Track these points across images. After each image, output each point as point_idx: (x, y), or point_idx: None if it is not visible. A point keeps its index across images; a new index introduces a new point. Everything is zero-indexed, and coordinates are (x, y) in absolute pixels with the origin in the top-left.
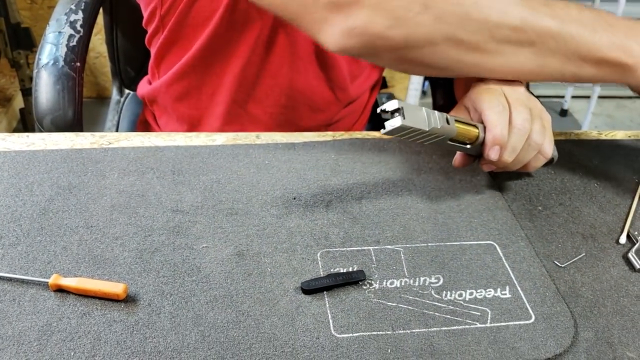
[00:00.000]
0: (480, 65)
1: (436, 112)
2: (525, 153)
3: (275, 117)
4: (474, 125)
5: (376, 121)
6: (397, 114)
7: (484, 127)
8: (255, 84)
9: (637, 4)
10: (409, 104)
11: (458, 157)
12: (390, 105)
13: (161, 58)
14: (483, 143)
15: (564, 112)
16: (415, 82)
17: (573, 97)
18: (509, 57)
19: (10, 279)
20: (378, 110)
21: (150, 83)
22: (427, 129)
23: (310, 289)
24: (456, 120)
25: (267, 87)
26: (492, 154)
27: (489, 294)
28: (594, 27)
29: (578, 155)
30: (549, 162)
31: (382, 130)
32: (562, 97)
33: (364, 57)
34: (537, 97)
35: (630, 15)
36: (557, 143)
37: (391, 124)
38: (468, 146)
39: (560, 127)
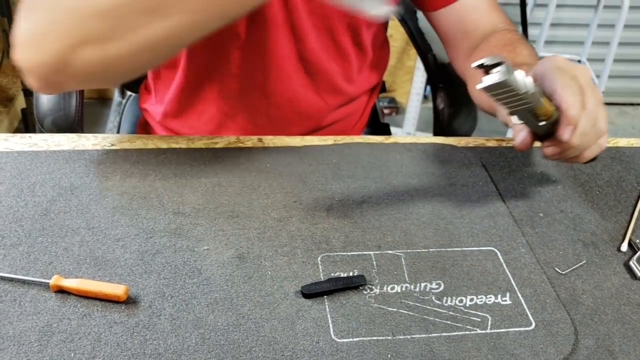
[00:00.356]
0: (127, 51)
1: (526, 77)
2: (590, 139)
3: (264, 126)
4: (550, 102)
5: (375, 125)
6: (498, 69)
7: (556, 107)
8: (241, 96)
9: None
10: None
11: (524, 136)
12: (491, 60)
13: (156, 76)
14: (555, 123)
15: None
16: (417, 87)
17: None
18: (141, 34)
19: (11, 279)
20: (474, 64)
21: (147, 93)
22: (523, 91)
23: (311, 293)
24: None
25: (255, 98)
26: (565, 133)
27: (489, 300)
28: None
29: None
30: (593, 158)
31: (480, 85)
32: None
33: (54, 90)
34: None
35: (566, 2)
36: None
37: (493, 78)
38: (541, 123)
39: None
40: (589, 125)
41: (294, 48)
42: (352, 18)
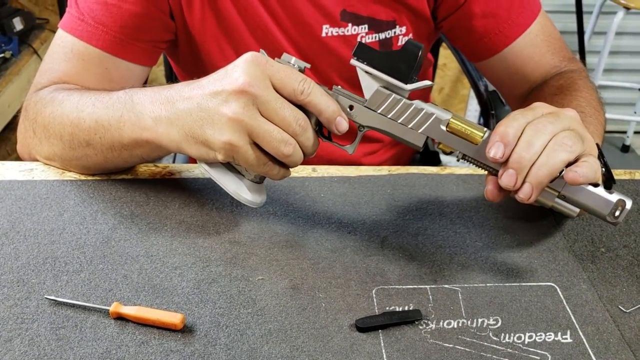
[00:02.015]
0: (72, 165)
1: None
2: (554, 154)
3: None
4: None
5: (425, 153)
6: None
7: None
8: None
9: (638, 17)
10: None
11: (489, 187)
12: None
13: None
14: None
15: (625, 148)
16: (471, 116)
17: (636, 132)
18: (80, 155)
19: (73, 305)
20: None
21: None
22: (407, 88)
23: (366, 327)
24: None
25: None
26: (492, 150)
27: (549, 338)
28: (120, 112)
29: None
30: (614, 213)
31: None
32: (624, 132)
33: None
34: None
35: (626, 30)
36: (621, 183)
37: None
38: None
39: (622, 164)
40: (536, 135)
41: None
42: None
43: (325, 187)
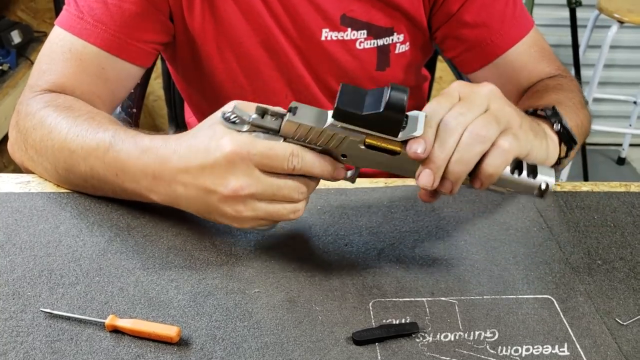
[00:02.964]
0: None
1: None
2: (467, 148)
3: None
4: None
5: None
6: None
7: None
8: None
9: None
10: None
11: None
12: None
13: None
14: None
15: (621, 161)
16: None
17: (631, 144)
18: (77, 186)
19: (68, 318)
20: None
21: None
22: (322, 127)
23: (362, 340)
24: None
25: None
26: (412, 147)
27: (546, 351)
28: (115, 172)
29: (639, 208)
30: (541, 192)
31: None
32: (620, 145)
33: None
34: (593, 144)
35: (620, 43)
36: (617, 195)
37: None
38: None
39: (618, 177)
40: (449, 133)
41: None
42: (362, 84)
43: (321, 199)
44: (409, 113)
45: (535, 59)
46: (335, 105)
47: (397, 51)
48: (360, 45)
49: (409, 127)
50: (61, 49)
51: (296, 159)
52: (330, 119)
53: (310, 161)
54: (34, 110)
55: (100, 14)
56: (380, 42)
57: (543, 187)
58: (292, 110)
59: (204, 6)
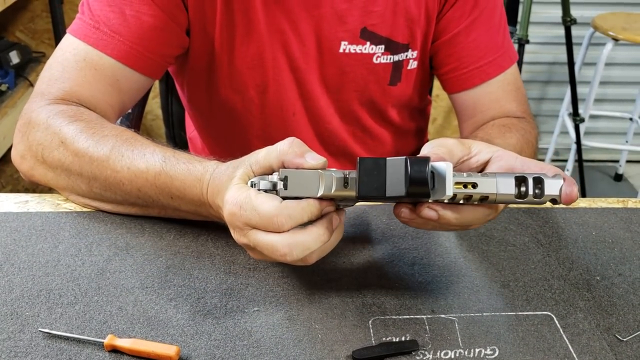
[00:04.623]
0: (95, 206)
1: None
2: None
3: None
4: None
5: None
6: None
7: None
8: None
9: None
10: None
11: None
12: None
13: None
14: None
15: (618, 177)
16: None
17: (628, 161)
18: (108, 206)
19: (67, 338)
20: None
21: None
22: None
23: (362, 358)
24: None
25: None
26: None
27: None
28: (169, 194)
29: (637, 224)
30: (553, 202)
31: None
32: (617, 161)
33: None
34: (590, 161)
35: (615, 61)
36: (614, 211)
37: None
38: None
39: (615, 193)
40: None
41: (313, 131)
42: (373, 98)
43: None
44: (433, 164)
45: (510, 96)
46: (357, 192)
47: (408, 67)
48: (377, 59)
49: (438, 187)
50: (75, 57)
51: (280, 219)
52: (321, 190)
53: (296, 216)
54: (53, 125)
55: (118, 25)
56: (397, 57)
57: (550, 202)
58: (284, 180)
59: (222, 17)
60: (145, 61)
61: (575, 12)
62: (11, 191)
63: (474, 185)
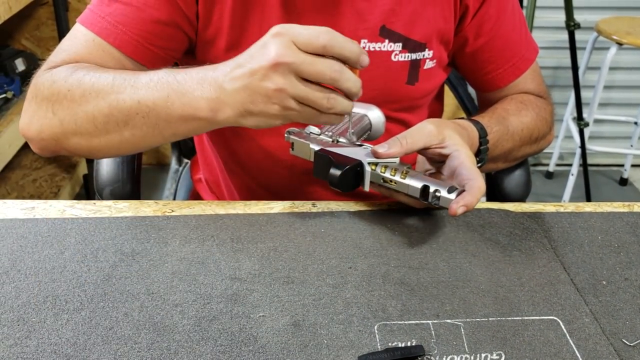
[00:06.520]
0: (104, 145)
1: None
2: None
3: (288, 187)
4: None
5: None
6: None
7: None
8: (249, 159)
9: (630, 52)
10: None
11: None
12: None
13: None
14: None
15: (624, 182)
16: None
17: (633, 165)
18: (114, 136)
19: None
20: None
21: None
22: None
23: None
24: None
25: (269, 165)
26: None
27: None
28: (167, 93)
29: None
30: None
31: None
32: (622, 165)
33: (48, 155)
34: (595, 165)
35: (619, 65)
36: (620, 215)
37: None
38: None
39: (620, 197)
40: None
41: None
42: (391, 98)
43: (325, 222)
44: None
45: (531, 77)
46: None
47: (425, 67)
48: (395, 57)
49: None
50: (85, 37)
51: (326, 35)
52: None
53: (340, 39)
54: (61, 75)
55: (122, 15)
56: (414, 56)
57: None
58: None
59: (233, 18)
60: (148, 54)
61: (578, 16)
62: (16, 198)
63: (395, 183)
